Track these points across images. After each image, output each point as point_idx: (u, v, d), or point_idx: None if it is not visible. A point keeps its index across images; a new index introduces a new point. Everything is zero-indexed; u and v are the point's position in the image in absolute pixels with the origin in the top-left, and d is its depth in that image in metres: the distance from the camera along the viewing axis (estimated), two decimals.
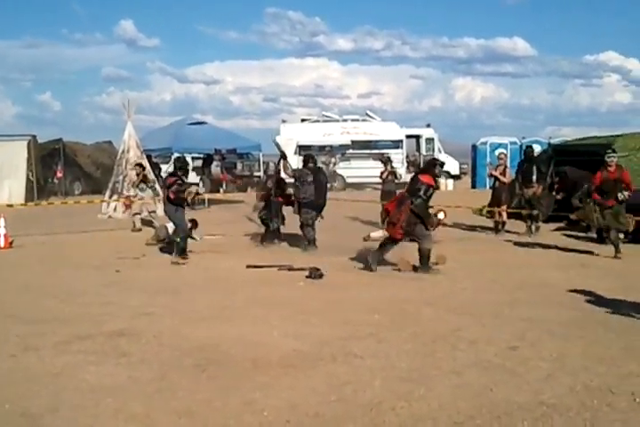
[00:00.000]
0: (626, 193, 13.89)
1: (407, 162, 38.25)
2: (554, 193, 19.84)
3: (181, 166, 14.42)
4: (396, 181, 20.12)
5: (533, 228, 17.58)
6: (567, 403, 5.59)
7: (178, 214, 13.99)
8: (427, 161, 13.52)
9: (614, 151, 14.43)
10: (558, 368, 6.54)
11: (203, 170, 31.14)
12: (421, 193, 11.84)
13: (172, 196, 13.72)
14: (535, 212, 17.55)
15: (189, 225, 14.80)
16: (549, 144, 24.43)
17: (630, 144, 19.16)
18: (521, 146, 32.43)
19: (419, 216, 11.86)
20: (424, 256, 11.93)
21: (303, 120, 40.60)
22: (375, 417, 5.38)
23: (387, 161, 20.38)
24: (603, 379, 6.21)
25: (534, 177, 17.74)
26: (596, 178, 14.17)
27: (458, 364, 6.71)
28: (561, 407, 5.49)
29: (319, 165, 17.62)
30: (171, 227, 15.52)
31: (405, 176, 32.64)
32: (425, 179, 12.04)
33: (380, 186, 20.96)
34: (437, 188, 12.63)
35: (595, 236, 16.47)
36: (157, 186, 21.83)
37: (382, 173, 19.78)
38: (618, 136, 20.25)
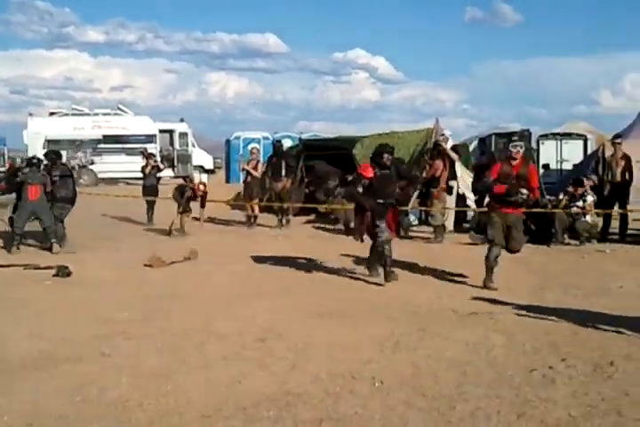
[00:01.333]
0: (525, 192, 10.39)
1: (161, 156, 37.86)
2: (304, 187, 20.42)
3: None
4: (158, 174, 19.93)
5: (284, 221, 17.97)
6: (311, 391, 5.74)
7: None
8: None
9: (521, 138, 11.22)
10: (304, 358, 6.70)
11: None
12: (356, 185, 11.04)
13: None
14: (286, 205, 17.98)
15: None
16: (300, 139, 25.03)
17: (371, 137, 20.04)
18: (273, 141, 33.02)
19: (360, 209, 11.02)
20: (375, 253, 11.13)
21: (52, 113, 39.13)
22: (121, 415, 5.29)
23: (149, 155, 20.20)
24: (346, 366, 6.42)
25: (283, 171, 18.20)
26: (493, 170, 10.61)
27: (207, 358, 6.72)
28: (305, 396, 5.63)
29: (67, 159, 17.20)
30: None
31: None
32: (363, 170, 11.14)
33: (139, 181, 20.70)
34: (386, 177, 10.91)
35: (342, 228, 17.04)
36: None
37: (144, 168, 19.50)
38: (365, 137, 21.11)
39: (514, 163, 10.45)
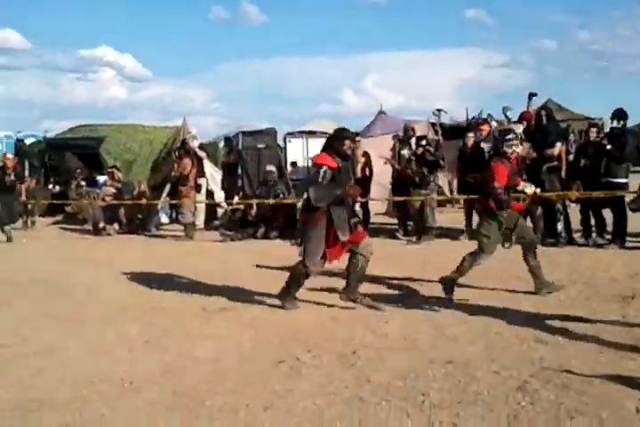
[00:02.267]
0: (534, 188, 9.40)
1: None
2: (50, 186, 19.78)
3: None
4: None
5: (29, 222, 17.39)
6: (57, 396, 5.57)
7: None
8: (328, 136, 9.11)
9: (517, 135, 9.40)
10: (50, 362, 6.51)
11: None
12: (319, 179, 8.08)
13: None
14: (30, 205, 17.39)
15: None
16: (44, 138, 24.17)
17: (118, 135, 19.87)
18: (17, 140, 31.78)
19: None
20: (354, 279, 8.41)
21: None
22: None
23: None
24: (94, 368, 6.28)
25: (27, 171, 17.61)
26: (500, 174, 8.80)
27: None
28: (51, 401, 5.47)
29: None
30: None
31: None
32: (319, 159, 8.31)
33: None
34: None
35: (91, 228, 16.69)
36: None
37: None
38: (109, 125, 20.87)
39: (512, 160, 9.03)
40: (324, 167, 8.10)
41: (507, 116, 17.75)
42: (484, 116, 19.75)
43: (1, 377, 6.08)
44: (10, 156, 16.07)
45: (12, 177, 15.77)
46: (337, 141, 8.36)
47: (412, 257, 12.27)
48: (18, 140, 20.83)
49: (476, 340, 6.96)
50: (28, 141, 22.46)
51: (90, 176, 19.55)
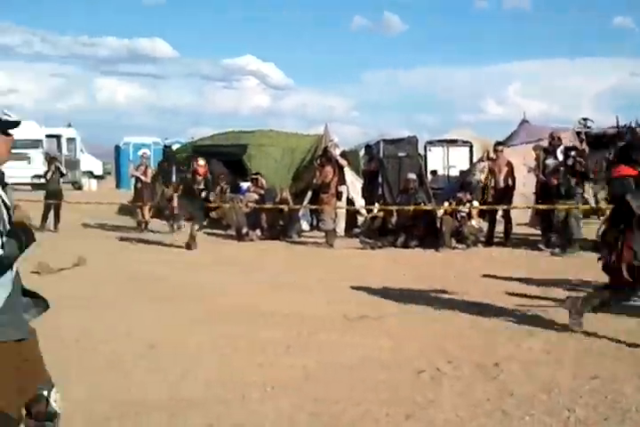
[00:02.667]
0: None
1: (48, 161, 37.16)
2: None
3: None
4: (62, 180, 19.73)
5: (175, 226, 17.81)
6: (203, 397, 5.72)
7: None
8: (622, 146, 8.77)
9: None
10: (195, 364, 6.66)
11: None
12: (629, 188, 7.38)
13: None
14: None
15: None
16: (189, 144, 24.87)
17: (261, 143, 20.20)
18: (164, 146, 32.79)
19: None
20: None
21: None
22: None
23: (51, 160, 19.82)
24: (237, 372, 6.42)
25: (174, 176, 18.09)
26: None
27: (94, 366, 6.61)
28: (197, 402, 5.61)
29: None
30: None
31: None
32: (620, 171, 7.63)
33: (23, 186, 20.32)
34: None
35: (234, 233, 17.01)
36: None
37: (46, 173, 19.21)
38: (252, 132, 21.29)
39: None
40: (628, 179, 7.50)
41: None
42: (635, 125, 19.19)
43: (149, 378, 6.27)
44: (202, 162, 15.99)
45: (202, 185, 15.76)
46: (636, 151, 7.82)
47: (555, 268, 12.01)
48: (165, 146, 21.47)
49: (624, 355, 6.76)
50: (174, 147, 23.11)
51: (234, 182, 19.95)
